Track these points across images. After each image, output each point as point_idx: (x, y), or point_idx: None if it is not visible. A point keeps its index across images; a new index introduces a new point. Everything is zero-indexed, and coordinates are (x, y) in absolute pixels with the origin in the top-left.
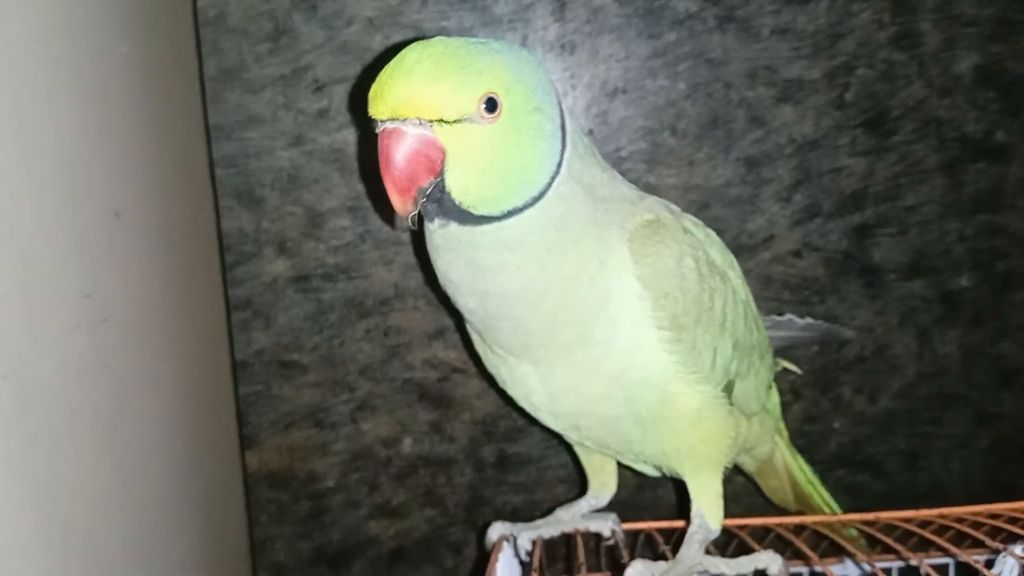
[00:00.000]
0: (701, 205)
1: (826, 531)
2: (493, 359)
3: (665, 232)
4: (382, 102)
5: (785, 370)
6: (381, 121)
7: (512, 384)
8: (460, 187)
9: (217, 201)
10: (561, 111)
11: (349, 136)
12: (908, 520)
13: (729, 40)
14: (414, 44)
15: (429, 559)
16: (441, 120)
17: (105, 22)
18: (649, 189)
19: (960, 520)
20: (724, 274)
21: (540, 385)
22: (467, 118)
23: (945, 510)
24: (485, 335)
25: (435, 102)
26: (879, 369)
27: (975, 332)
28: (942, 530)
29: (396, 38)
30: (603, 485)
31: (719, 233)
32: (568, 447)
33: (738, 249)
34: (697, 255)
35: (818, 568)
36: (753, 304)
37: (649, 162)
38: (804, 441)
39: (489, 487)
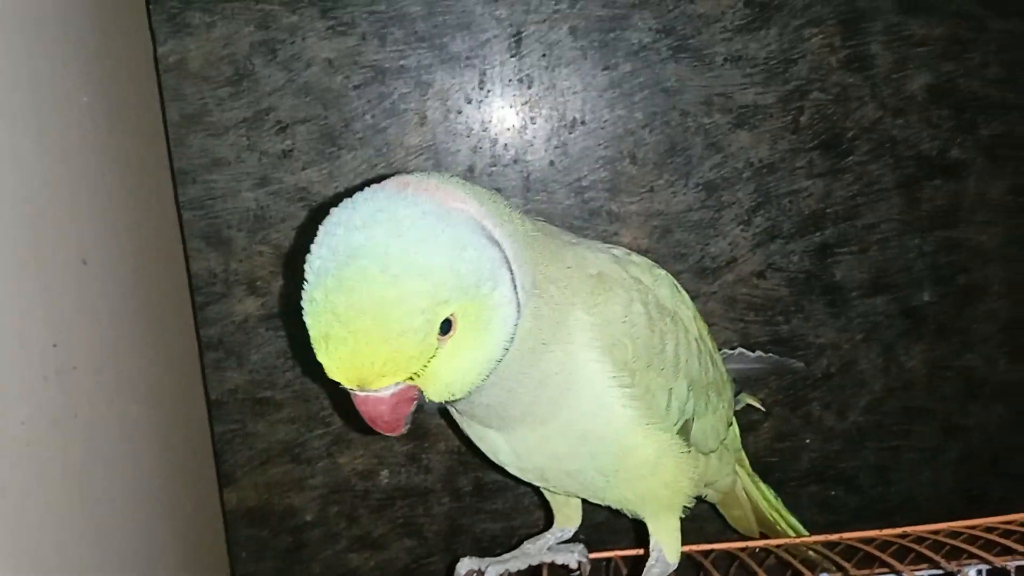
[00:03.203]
0: (664, 231)
1: (788, 556)
2: (462, 422)
3: (611, 282)
4: (341, 375)
5: (750, 407)
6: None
7: (480, 443)
8: (440, 396)
9: (185, 243)
10: (502, 251)
11: (313, 175)
12: (870, 540)
13: (683, 69)
14: (333, 281)
15: None
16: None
17: (67, 72)
18: (612, 217)
19: (921, 540)
20: (675, 315)
21: (507, 446)
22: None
23: (909, 528)
24: (459, 409)
25: (399, 369)
26: (846, 385)
27: (939, 346)
28: (903, 551)
29: (356, 79)
30: (568, 518)
31: (682, 257)
32: (538, 491)
33: (701, 272)
34: (646, 299)
35: None
36: (709, 340)
37: (611, 190)
38: (776, 459)
39: (467, 515)
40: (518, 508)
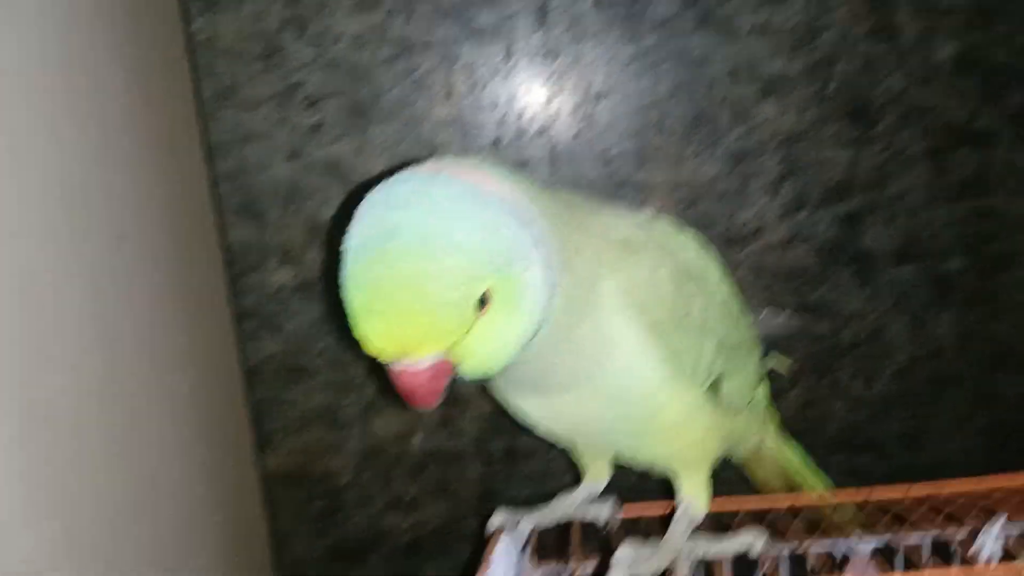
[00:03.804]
0: (690, 201)
1: (818, 515)
2: (493, 387)
3: (636, 245)
4: (379, 348)
5: (780, 352)
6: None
7: (511, 406)
8: (475, 371)
9: (220, 216)
10: (534, 233)
11: (343, 148)
12: (898, 502)
13: (709, 40)
14: (375, 256)
15: (443, 551)
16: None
17: (101, 51)
18: (638, 187)
19: (949, 500)
20: (701, 277)
21: (539, 409)
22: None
23: (939, 482)
24: (493, 382)
25: (436, 341)
26: (874, 354)
27: (968, 314)
28: (931, 513)
29: (383, 54)
30: (598, 473)
31: (709, 227)
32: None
33: (728, 242)
34: (671, 263)
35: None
36: (737, 301)
37: (637, 161)
38: (803, 426)
39: (499, 479)
40: (549, 472)
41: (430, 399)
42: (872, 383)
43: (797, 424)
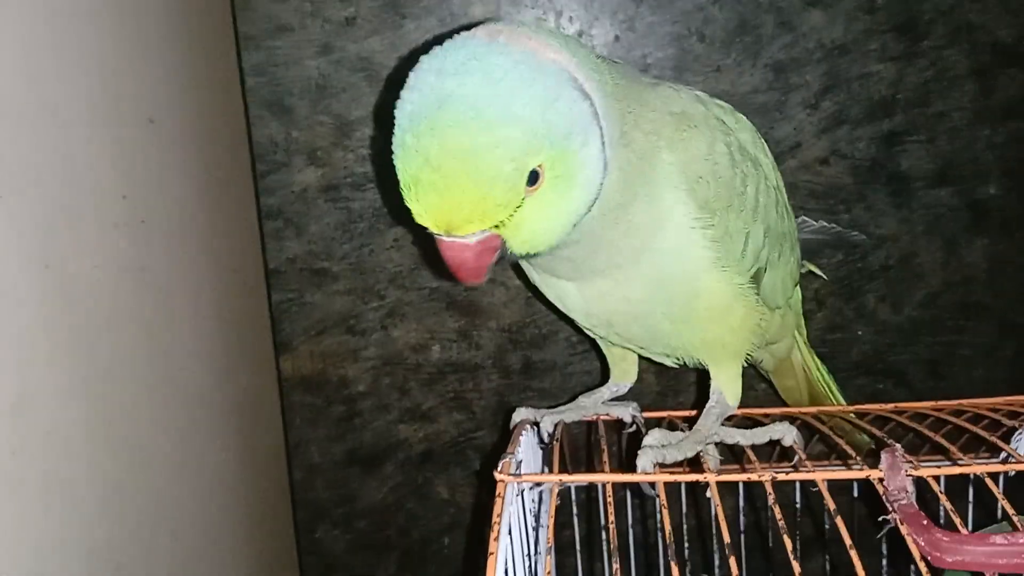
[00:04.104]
0: None
1: (837, 436)
2: (529, 271)
3: (695, 119)
4: (429, 220)
5: (811, 273)
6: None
7: (546, 290)
8: (523, 248)
9: (248, 110)
10: (593, 105)
11: (376, 44)
12: (923, 418)
13: None
14: (425, 126)
15: (457, 461)
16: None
17: None
18: None
19: (978, 418)
20: (756, 159)
21: (576, 293)
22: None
23: (965, 402)
24: (537, 264)
25: (486, 216)
26: (904, 278)
27: (1002, 241)
28: (956, 432)
29: None
30: (624, 373)
31: None
32: (595, 346)
33: None
34: (728, 140)
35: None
36: (784, 192)
37: (676, 68)
38: (827, 349)
39: (515, 393)
40: (565, 388)
41: (477, 274)
42: (900, 308)
43: (821, 347)
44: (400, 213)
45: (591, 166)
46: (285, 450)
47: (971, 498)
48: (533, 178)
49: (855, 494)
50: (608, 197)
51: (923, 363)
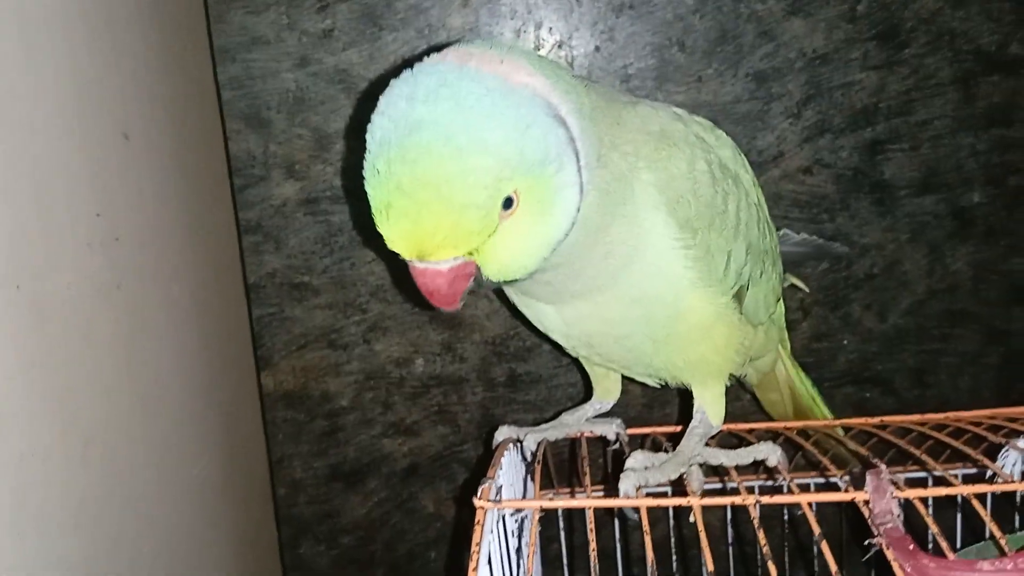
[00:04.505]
0: (711, 122)
1: (819, 451)
2: (509, 293)
3: (675, 138)
4: (401, 246)
5: (793, 287)
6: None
7: (525, 310)
8: (499, 274)
9: (224, 124)
10: (568, 130)
11: (354, 56)
12: (907, 432)
13: None
14: (396, 153)
15: (442, 475)
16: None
17: None
18: None
19: (960, 433)
20: (736, 176)
21: (556, 314)
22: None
23: (951, 414)
24: (516, 288)
25: (460, 242)
26: (889, 286)
27: (986, 248)
28: (938, 448)
29: None
30: (607, 391)
31: None
32: (577, 363)
33: None
34: (709, 158)
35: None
36: (765, 208)
37: (657, 79)
38: (813, 359)
39: (500, 405)
40: (550, 400)
41: (451, 301)
42: (885, 316)
43: (806, 356)
44: (373, 233)
45: (567, 191)
46: (268, 466)
47: (959, 519)
48: (508, 203)
49: (840, 507)
50: (587, 220)
51: (909, 371)
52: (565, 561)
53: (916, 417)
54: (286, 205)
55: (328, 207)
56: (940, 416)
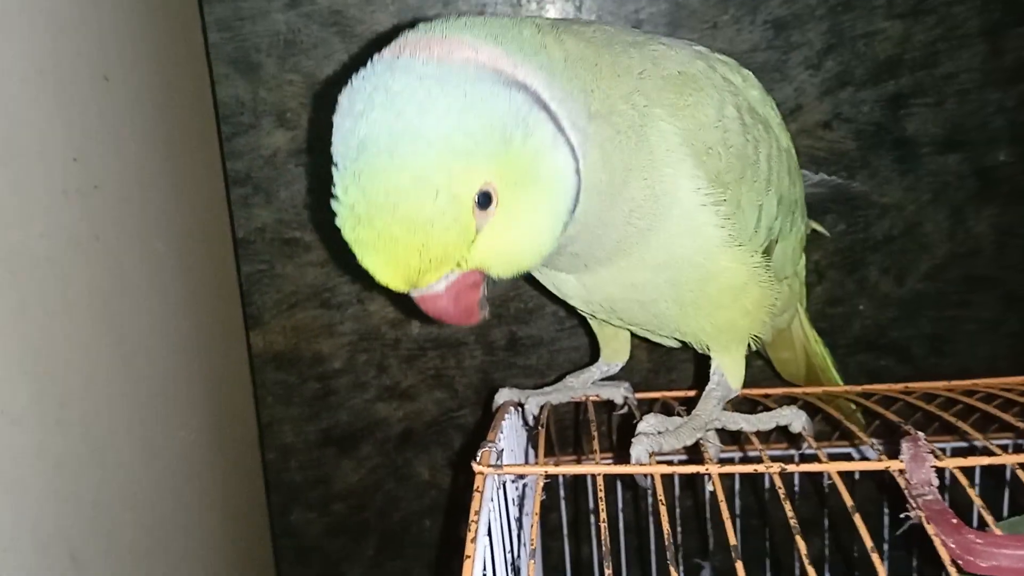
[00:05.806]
0: None
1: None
2: None
3: (699, 81)
4: (386, 280)
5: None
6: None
7: (542, 277)
8: (508, 271)
9: (211, 68)
10: (530, 91)
11: None
12: (932, 398)
13: None
14: (350, 179)
15: (438, 441)
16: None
17: None
18: None
19: (991, 398)
20: (766, 121)
21: (575, 280)
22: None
23: (980, 380)
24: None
25: (442, 260)
26: (908, 249)
27: (1011, 210)
28: (966, 411)
29: None
30: (615, 352)
31: None
32: (584, 323)
33: None
34: (738, 102)
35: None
36: (794, 153)
37: (669, 24)
38: (827, 324)
39: (499, 369)
40: (552, 364)
41: (466, 317)
42: (903, 281)
43: (821, 321)
44: None
45: (550, 156)
46: (257, 430)
47: (1007, 491)
48: (485, 198)
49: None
50: (594, 180)
51: (926, 338)
52: (565, 532)
53: (942, 384)
54: (276, 155)
55: (321, 158)
56: (967, 383)
